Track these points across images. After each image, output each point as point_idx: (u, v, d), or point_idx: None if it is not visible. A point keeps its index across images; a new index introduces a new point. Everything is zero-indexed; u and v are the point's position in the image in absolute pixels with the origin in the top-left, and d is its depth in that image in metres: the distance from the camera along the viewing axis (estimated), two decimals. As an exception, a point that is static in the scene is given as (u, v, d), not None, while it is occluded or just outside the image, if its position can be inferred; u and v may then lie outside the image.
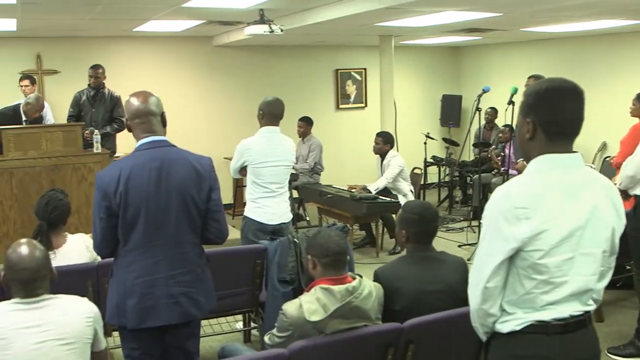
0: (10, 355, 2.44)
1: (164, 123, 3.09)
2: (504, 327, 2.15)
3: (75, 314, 2.61)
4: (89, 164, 6.63)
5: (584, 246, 2.09)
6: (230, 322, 4.99)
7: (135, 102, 3.03)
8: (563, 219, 2.06)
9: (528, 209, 2.03)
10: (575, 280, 2.09)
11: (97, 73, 7.46)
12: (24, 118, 7.19)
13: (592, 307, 2.18)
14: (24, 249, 2.58)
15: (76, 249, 3.85)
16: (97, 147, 6.81)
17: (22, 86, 7.89)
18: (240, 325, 4.99)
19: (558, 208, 2.06)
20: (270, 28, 6.25)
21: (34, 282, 2.54)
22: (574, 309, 2.12)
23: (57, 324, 2.53)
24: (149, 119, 3.02)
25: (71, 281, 3.24)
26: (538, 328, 2.10)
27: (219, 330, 4.89)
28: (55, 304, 2.58)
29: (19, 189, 6.46)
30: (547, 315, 2.10)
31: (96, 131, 6.93)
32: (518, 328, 2.12)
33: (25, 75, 8.00)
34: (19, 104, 7.25)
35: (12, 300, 2.56)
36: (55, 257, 3.61)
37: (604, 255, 2.16)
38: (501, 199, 2.09)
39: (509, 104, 6.41)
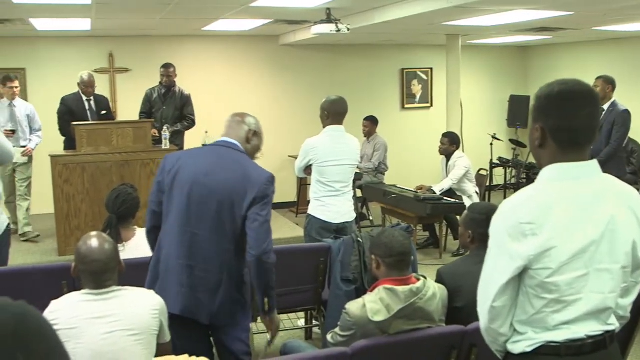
0: (82, 344, 2.52)
1: (247, 139, 3.20)
2: (515, 347, 2.00)
3: (143, 306, 2.67)
4: (158, 160, 6.72)
5: (600, 262, 1.92)
6: (292, 319, 5.03)
7: (236, 113, 3.30)
8: (574, 234, 1.89)
9: (535, 225, 1.87)
10: (590, 298, 1.92)
11: (168, 72, 7.63)
12: (85, 98, 7.37)
13: (614, 326, 2.01)
14: (94, 242, 2.66)
15: (145, 242, 3.92)
16: (166, 144, 6.94)
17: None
18: (302, 322, 5.01)
19: (568, 222, 1.89)
20: (337, 27, 6.26)
21: (104, 273, 2.61)
22: (591, 328, 1.95)
23: (125, 315, 2.59)
24: (238, 121, 3.22)
25: (139, 274, 3.30)
26: (550, 349, 1.93)
27: (281, 327, 4.92)
28: (123, 295, 2.65)
29: (91, 183, 6.65)
30: (560, 335, 1.93)
31: (165, 128, 7.07)
32: (529, 349, 1.96)
33: None
34: (78, 91, 7.45)
35: (83, 291, 2.64)
36: (124, 249, 3.69)
37: (624, 271, 1.97)
38: (507, 213, 1.94)
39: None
